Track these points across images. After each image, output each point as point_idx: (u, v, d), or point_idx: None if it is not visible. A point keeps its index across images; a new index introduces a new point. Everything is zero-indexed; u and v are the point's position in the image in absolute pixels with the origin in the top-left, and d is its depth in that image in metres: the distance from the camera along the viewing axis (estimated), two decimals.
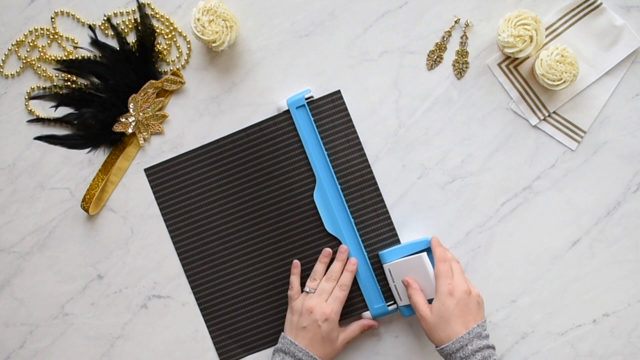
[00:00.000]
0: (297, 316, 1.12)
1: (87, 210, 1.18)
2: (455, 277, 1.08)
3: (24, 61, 1.20)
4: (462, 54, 1.17)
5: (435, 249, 1.10)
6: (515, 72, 1.16)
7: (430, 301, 1.09)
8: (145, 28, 1.18)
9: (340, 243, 1.16)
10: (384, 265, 1.15)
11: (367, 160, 1.16)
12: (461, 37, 1.17)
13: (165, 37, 1.19)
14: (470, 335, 1.04)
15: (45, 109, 1.20)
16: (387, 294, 1.17)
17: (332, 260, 1.16)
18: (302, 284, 1.16)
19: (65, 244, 1.21)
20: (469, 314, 1.06)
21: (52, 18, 1.19)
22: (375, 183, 1.16)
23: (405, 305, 1.15)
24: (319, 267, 1.15)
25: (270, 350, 1.19)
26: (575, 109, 1.16)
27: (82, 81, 1.20)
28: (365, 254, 1.16)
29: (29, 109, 1.20)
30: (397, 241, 1.17)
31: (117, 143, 1.20)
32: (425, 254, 1.11)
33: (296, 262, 1.17)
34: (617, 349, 1.17)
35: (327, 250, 1.16)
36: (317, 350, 1.11)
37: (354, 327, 1.15)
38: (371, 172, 1.16)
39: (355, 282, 1.16)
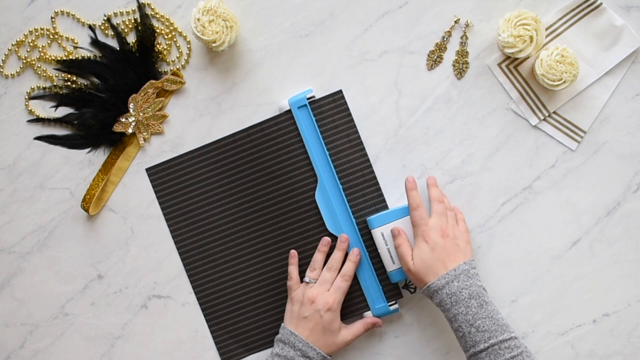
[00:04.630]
0: (299, 306, 1.12)
1: (87, 210, 1.18)
2: (430, 221, 1.08)
3: (24, 61, 1.20)
4: (462, 54, 1.17)
5: (408, 196, 1.10)
6: (515, 72, 1.16)
7: None
8: (145, 28, 1.18)
9: None
10: (373, 231, 1.14)
11: (368, 160, 1.16)
12: (461, 37, 1.17)
13: (165, 37, 1.19)
14: (456, 272, 1.04)
15: (45, 109, 1.20)
16: (389, 294, 1.17)
17: (331, 250, 1.16)
18: (301, 275, 1.16)
19: (65, 244, 1.21)
20: (450, 255, 1.06)
21: (52, 18, 1.19)
22: (377, 183, 1.16)
23: (393, 271, 1.14)
24: (318, 256, 1.15)
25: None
26: (575, 109, 1.16)
27: (82, 81, 1.20)
28: (367, 253, 1.16)
29: (29, 109, 1.20)
30: None
31: (117, 143, 1.20)
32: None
33: (293, 252, 1.17)
34: (617, 349, 1.17)
35: (326, 239, 1.16)
36: (317, 340, 1.10)
37: (358, 325, 1.15)
38: (373, 172, 1.16)
39: (356, 282, 1.16)
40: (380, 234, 1.14)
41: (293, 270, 1.16)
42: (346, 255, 1.15)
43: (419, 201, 1.10)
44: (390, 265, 1.15)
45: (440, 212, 1.09)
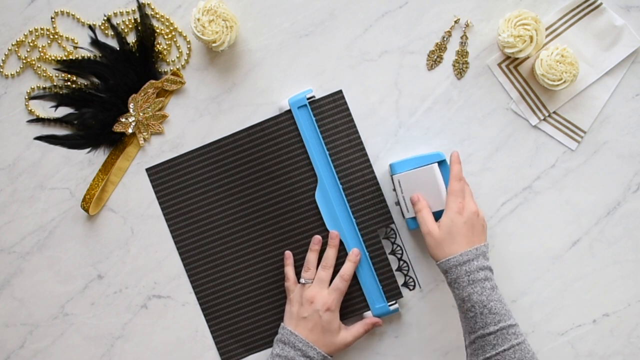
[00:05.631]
0: (297, 306, 1.12)
1: (87, 210, 1.18)
2: (466, 197, 1.08)
3: (24, 61, 1.20)
4: (462, 54, 1.17)
5: (454, 166, 1.09)
6: (515, 72, 1.16)
7: (436, 214, 1.10)
8: (145, 28, 1.18)
9: (341, 242, 1.16)
10: (393, 177, 1.14)
11: (368, 160, 1.16)
12: (461, 37, 1.17)
13: (165, 37, 1.19)
14: (477, 251, 1.05)
15: (45, 109, 1.20)
16: (389, 294, 1.17)
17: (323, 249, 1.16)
18: (298, 275, 1.16)
19: (65, 244, 1.21)
20: (474, 235, 1.06)
21: (52, 18, 1.19)
22: (377, 183, 1.16)
23: (412, 218, 1.14)
24: (311, 256, 1.15)
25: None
26: (575, 109, 1.16)
27: (82, 81, 1.20)
28: (367, 253, 1.16)
29: (29, 109, 1.20)
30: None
31: (117, 143, 1.20)
32: (436, 164, 1.10)
33: (288, 253, 1.17)
34: (617, 349, 1.17)
35: (317, 238, 1.16)
36: (317, 340, 1.11)
37: (358, 327, 1.15)
38: (373, 172, 1.16)
39: (356, 282, 1.16)
40: (398, 181, 1.13)
41: (289, 271, 1.16)
42: (340, 250, 1.15)
43: (463, 175, 1.09)
44: (406, 213, 1.14)
45: (470, 193, 1.10)
